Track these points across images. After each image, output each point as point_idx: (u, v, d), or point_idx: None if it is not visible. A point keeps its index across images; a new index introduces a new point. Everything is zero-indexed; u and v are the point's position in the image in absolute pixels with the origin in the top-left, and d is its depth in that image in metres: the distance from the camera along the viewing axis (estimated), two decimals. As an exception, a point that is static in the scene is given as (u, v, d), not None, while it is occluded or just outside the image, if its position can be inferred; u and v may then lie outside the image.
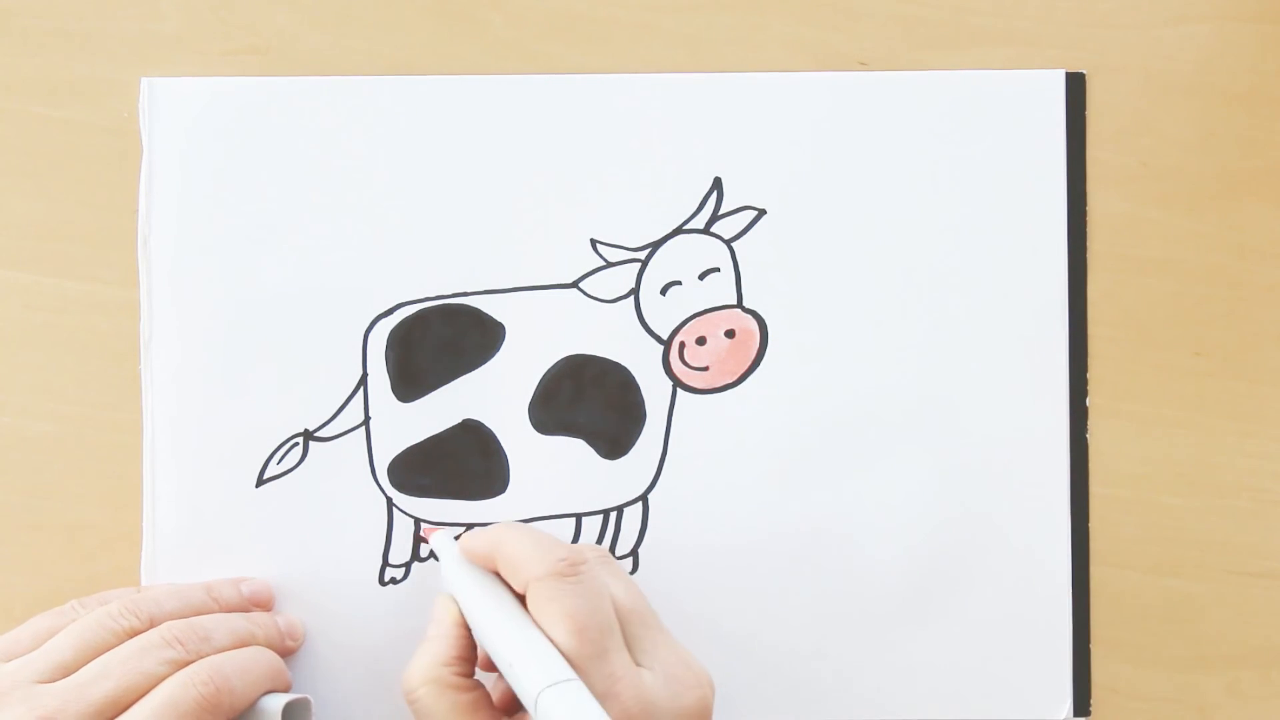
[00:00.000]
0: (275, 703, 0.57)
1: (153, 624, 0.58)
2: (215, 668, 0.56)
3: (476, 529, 0.59)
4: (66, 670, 0.55)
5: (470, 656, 0.56)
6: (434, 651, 0.55)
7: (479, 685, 0.55)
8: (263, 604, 0.61)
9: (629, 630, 0.54)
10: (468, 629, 0.56)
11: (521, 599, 0.54)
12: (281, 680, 0.59)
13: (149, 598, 0.59)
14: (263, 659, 0.58)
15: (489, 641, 0.54)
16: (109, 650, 0.56)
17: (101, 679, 0.55)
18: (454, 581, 0.57)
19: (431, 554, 0.62)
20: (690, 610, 0.62)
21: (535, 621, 0.53)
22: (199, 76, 0.62)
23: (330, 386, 0.62)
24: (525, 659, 0.51)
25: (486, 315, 0.62)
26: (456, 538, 0.59)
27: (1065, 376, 0.63)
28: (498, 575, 0.56)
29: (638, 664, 0.53)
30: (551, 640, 0.52)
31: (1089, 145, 0.63)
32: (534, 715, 0.50)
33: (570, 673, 0.51)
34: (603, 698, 0.51)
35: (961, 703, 0.62)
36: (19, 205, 0.62)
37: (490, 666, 0.56)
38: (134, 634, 0.57)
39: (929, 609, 0.62)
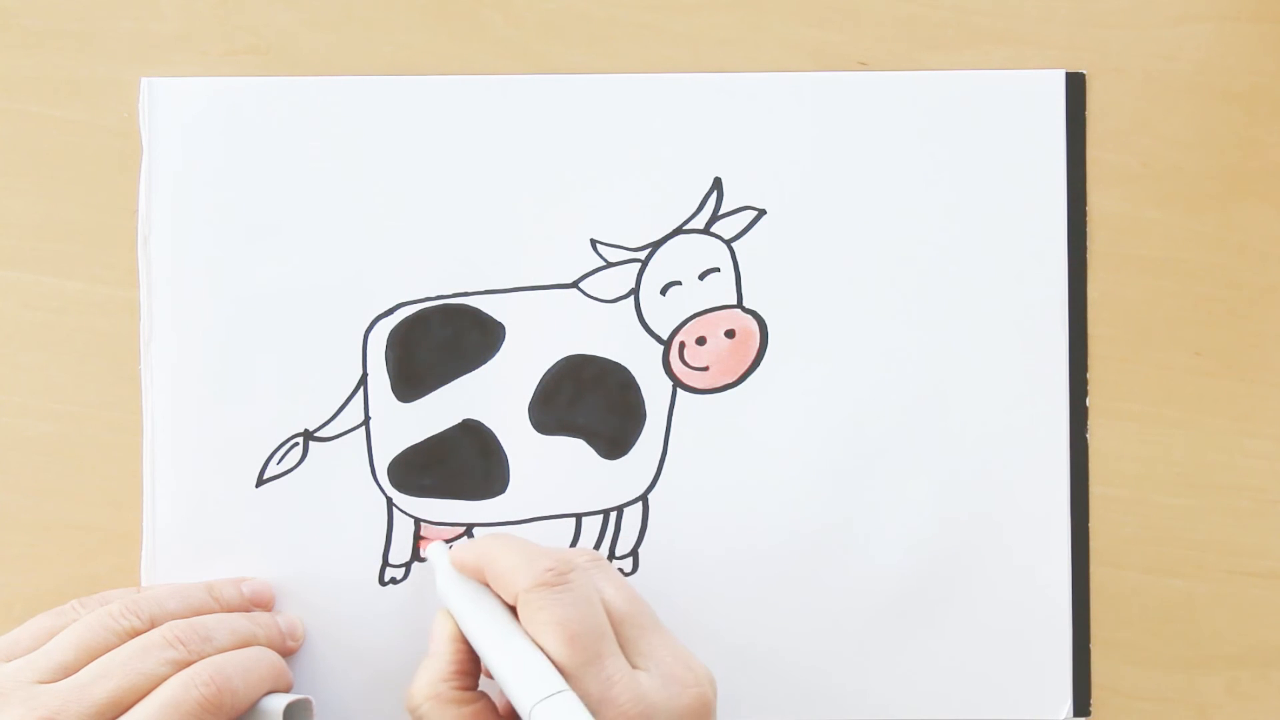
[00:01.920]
0: (276, 703, 0.57)
1: (154, 624, 0.58)
2: (217, 668, 0.56)
3: (465, 541, 0.58)
4: (67, 670, 0.55)
5: (471, 669, 0.56)
6: (434, 668, 0.55)
7: (482, 696, 0.55)
8: (263, 604, 0.61)
9: (623, 633, 0.54)
10: (466, 643, 0.56)
11: (514, 610, 0.54)
12: (283, 680, 0.59)
13: (150, 598, 0.59)
14: (264, 659, 0.58)
15: (484, 655, 0.54)
16: (110, 650, 0.56)
17: (102, 679, 0.55)
18: (448, 595, 0.57)
19: (431, 554, 0.62)
20: (690, 610, 0.62)
21: (527, 632, 0.53)
22: (199, 76, 0.62)
23: (330, 386, 0.62)
24: (517, 673, 0.52)
25: (486, 315, 0.62)
26: (450, 546, 0.60)
27: (1065, 376, 0.63)
28: (490, 586, 0.56)
29: (634, 666, 0.53)
30: (544, 650, 0.52)
31: (1089, 145, 0.63)
32: None
33: (562, 684, 0.51)
34: (599, 702, 0.51)
35: (961, 703, 0.62)
36: (19, 205, 0.62)
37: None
38: (135, 634, 0.57)
39: (929, 609, 0.62)
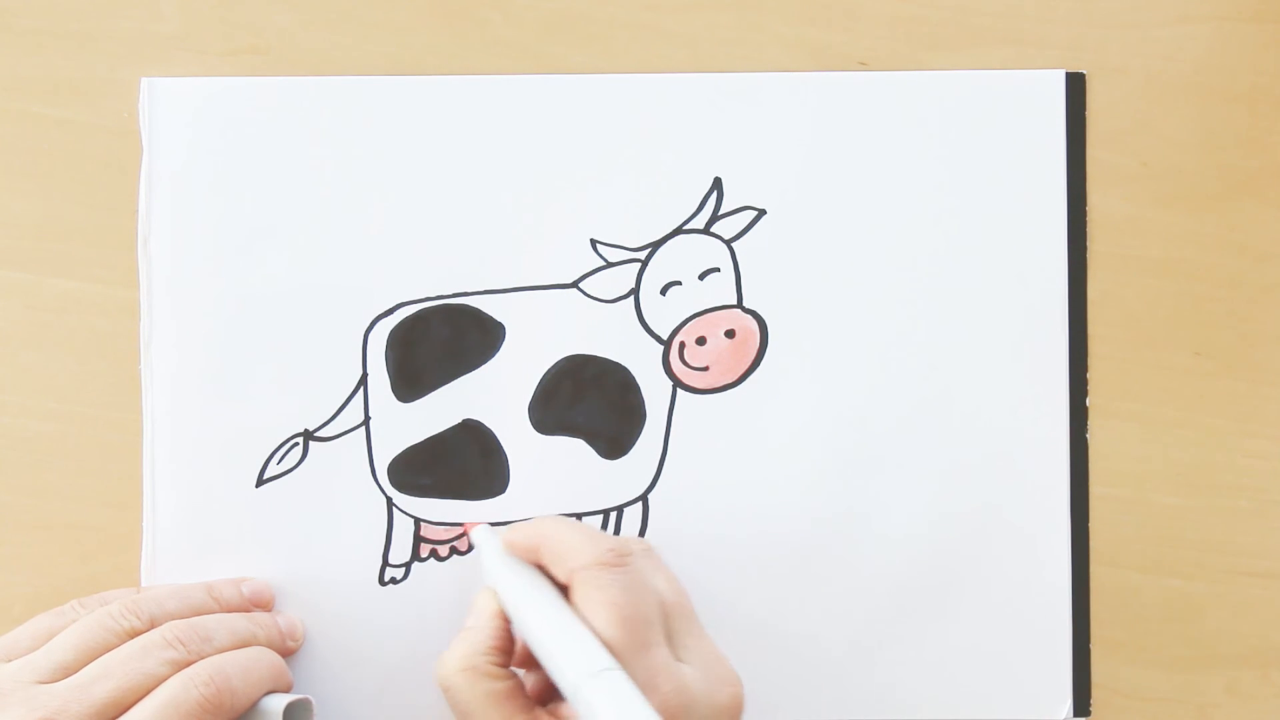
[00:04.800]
0: (276, 703, 0.57)
1: (153, 624, 0.58)
2: (217, 668, 0.56)
3: (518, 522, 0.58)
4: (67, 670, 0.55)
5: (507, 649, 0.55)
6: (471, 640, 0.55)
7: (513, 675, 0.55)
8: (263, 604, 0.61)
9: (670, 624, 0.54)
10: (506, 622, 0.55)
11: (564, 592, 0.54)
12: (283, 680, 0.59)
13: (150, 598, 0.59)
14: (264, 659, 0.58)
15: (530, 631, 0.53)
16: (110, 650, 0.56)
17: (102, 679, 0.55)
18: (495, 573, 0.56)
19: (433, 554, 0.62)
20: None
21: (578, 612, 0.53)
22: (199, 76, 0.62)
23: (330, 386, 0.62)
24: (567, 647, 0.51)
25: (486, 315, 0.62)
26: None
27: (1065, 376, 0.63)
28: (540, 569, 0.56)
29: (677, 658, 0.53)
30: (594, 630, 0.52)
31: (1089, 145, 0.63)
32: (574, 704, 0.50)
33: (612, 662, 0.51)
34: (642, 690, 0.51)
35: (961, 702, 0.62)
36: (19, 205, 0.62)
37: (527, 663, 0.56)
38: (135, 634, 0.57)
39: (929, 609, 0.62)
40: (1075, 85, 0.63)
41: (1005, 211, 0.62)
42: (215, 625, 0.58)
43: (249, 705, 0.57)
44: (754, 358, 0.62)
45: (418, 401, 0.62)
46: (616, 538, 0.56)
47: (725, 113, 0.62)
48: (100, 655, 0.56)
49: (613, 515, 0.62)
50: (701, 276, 0.62)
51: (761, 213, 0.62)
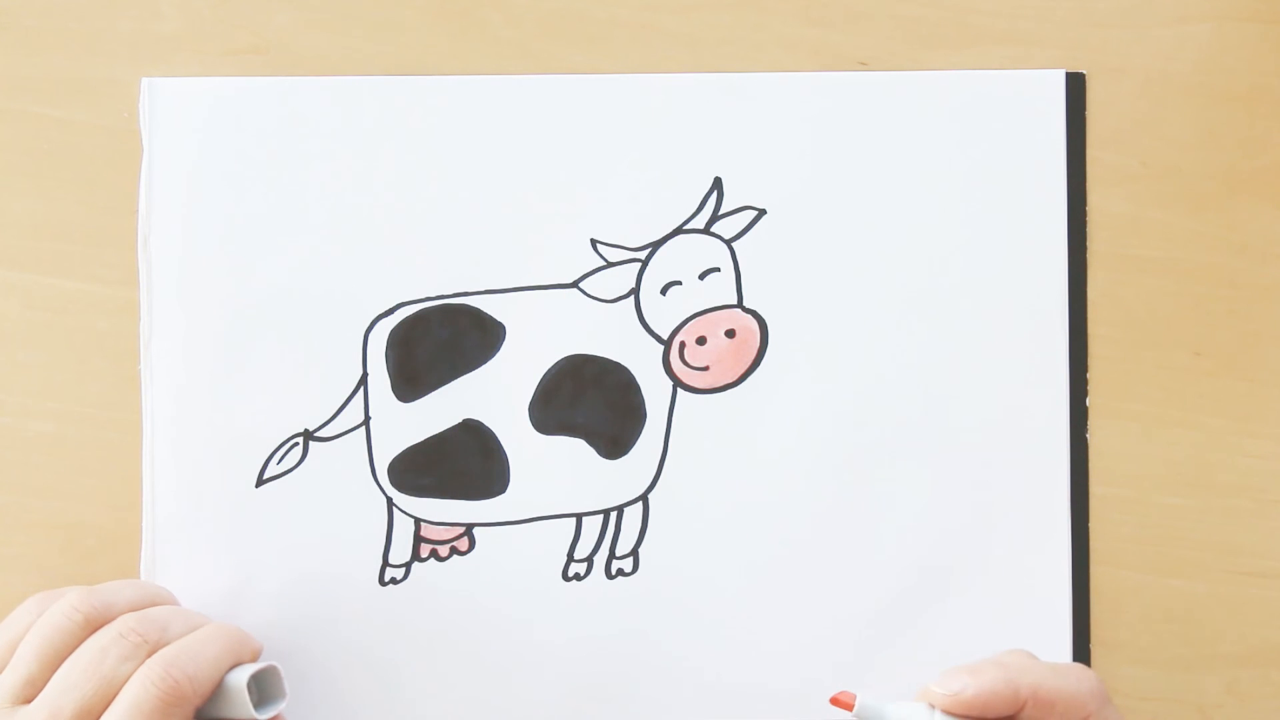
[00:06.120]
0: (240, 676, 0.56)
1: (108, 611, 0.56)
2: (169, 660, 0.54)
3: (958, 669, 0.54)
4: (35, 684, 0.55)
5: None
6: None
7: None
8: None
9: None
10: None
11: None
12: (246, 651, 0.57)
13: (103, 587, 0.58)
14: (217, 636, 0.56)
15: None
16: (69, 651, 0.55)
17: (69, 691, 0.54)
18: None
19: (433, 554, 0.62)
20: (690, 610, 0.62)
21: None
22: (199, 76, 0.62)
23: (330, 386, 0.62)
24: None
25: (486, 315, 0.62)
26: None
27: (1065, 376, 0.63)
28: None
29: None
30: None
31: (1089, 145, 0.63)
32: None
33: None
34: None
35: (961, 703, 0.62)
36: (19, 205, 0.62)
37: None
38: (90, 624, 0.56)
39: (929, 608, 0.62)
40: (1075, 85, 0.63)
41: (1005, 211, 0.62)
42: (170, 615, 0.57)
43: (213, 685, 0.55)
44: (754, 358, 0.62)
45: (418, 401, 0.62)
46: (1075, 675, 0.52)
47: (725, 113, 0.62)
48: (61, 659, 0.55)
49: (613, 515, 0.62)
50: (702, 276, 0.62)
51: (761, 213, 0.62)
